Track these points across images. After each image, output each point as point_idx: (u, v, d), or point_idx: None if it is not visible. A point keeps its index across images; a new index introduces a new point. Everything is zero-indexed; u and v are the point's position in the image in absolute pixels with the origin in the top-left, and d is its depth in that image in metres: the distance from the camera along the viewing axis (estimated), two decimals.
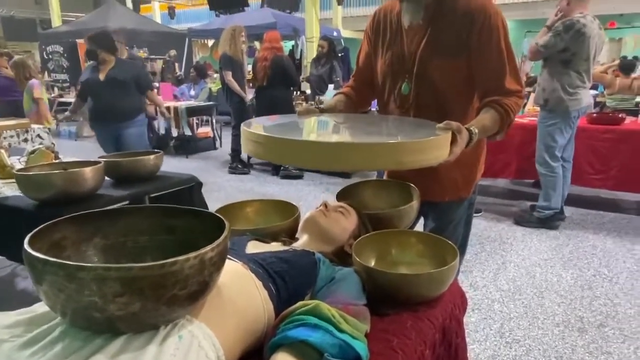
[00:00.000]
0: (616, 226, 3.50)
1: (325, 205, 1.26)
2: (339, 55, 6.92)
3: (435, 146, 1.01)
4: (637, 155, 3.52)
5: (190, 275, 0.67)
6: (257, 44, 9.37)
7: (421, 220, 1.61)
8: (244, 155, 5.46)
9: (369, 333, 0.91)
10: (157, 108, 4.13)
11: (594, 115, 3.88)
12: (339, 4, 12.57)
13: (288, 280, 0.95)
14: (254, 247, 1.08)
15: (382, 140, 1.06)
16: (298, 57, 8.37)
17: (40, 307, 0.78)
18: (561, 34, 3.04)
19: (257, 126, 1.14)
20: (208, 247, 0.70)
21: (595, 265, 2.84)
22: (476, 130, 1.18)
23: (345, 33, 12.37)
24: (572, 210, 3.77)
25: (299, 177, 4.93)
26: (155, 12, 15.99)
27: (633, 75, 4.52)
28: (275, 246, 1.13)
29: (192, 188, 2.36)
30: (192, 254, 0.67)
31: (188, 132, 6.32)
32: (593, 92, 5.23)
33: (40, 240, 0.75)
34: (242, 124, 1.11)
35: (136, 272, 0.62)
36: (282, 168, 5.00)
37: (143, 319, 0.67)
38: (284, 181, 4.91)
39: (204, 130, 6.86)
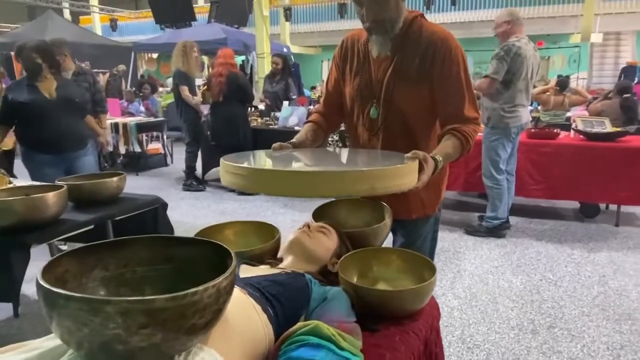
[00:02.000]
0: (556, 233, 3.79)
1: (308, 226, 1.31)
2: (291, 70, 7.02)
3: (404, 173, 1.08)
4: (571, 167, 3.84)
5: (208, 304, 0.70)
6: (205, 58, 9.30)
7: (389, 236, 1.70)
8: (198, 172, 5.40)
9: (363, 348, 0.97)
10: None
11: (532, 131, 4.20)
12: (286, 20, 12.77)
13: (284, 303, 0.99)
14: (245, 271, 1.10)
15: (357, 168, 1.11)
16: (248, 72, 8.39)
17: (43, 343, 0.78)
18: (504, 57, 3.29)
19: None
20: (222, 277, 0.72)
21: (541, 271, 3.06)
22: (440, 158, 1.28)
23: (293, 49, 12.55)
24: (516, 219, 4.02)
25: (257, 192, 4.93)
26: (96, 24, 15.48)
27: (565, 93, 4.93)
28: (264, 269, 1.16)
29: (156, 210, 2.33)
30: (209, 284, 0.70)
31: (137, 149, 6.15)
32: (529, 107, 5.65)
33: (47, 275, 0.75)
34: (221, 158, 1.14)
35: (160, 304, 0.64)
36: None
37: (163, 350, 0.69)
38: (241, 197, 4.89)
39: (154, 147, 6.70)
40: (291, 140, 1.46)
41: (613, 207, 4.08)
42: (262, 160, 1.30)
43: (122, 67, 9.04)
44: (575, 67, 12.46)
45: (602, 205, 4.22)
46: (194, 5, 10.13)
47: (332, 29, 14.43)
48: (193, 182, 5.22)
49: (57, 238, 1.83)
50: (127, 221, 2.23)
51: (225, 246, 0.86)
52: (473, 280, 2.93)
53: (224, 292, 0.73)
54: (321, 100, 1.72)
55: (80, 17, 15.79)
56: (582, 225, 3.97)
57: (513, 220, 3.90)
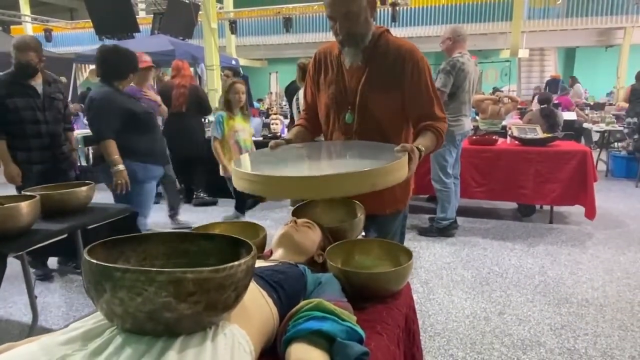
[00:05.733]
0: (498, 231, 4.11)
1: (295, 221, 1.42)
2: None
3: (399, 167, 1.24)
4: (509, 170, 4.20)
5: (240, 278, 0.80)
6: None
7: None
8: None
9: (357, 322, 1.10)
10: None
11: (474, 137, 4.54)
12: (232, 33, 12.81)
13: (286, 288, 1.10)
14: None
15: (357, 169, 1.20)
16: (197, 83, 8.36)
17: (84, 323, 0.84)
18: (450, 71, 3.58)
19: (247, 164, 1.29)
20: (249, 256, 0.84)
21: (488, 264, 3.33)
22: (423, 149, 1.45)
23: (240, 61, 12.58)
24: (462, 219, 4.32)
25: (213, 203, 4.95)
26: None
27: (500, 104, 5.39)
28: (260, 262, 1.26)
29: (126, 219, 2.34)
30: (242, 260, 0.80)
31: (84, 163, 5.96)
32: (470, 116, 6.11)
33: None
34: (233, 162, 1.24)
35: (206, 274, 0.74)
36: (194, 196, 4.97)
37: (202, 319, 0.78)
38: (198, 208, 4.89)
39: None
40: (284, 137, 1.61)
41: (547, 206, 4.49)
42: (269, 163, 1.41)
43: (63, 79, 8.68)
44: (506, 80, 13.42)
45: (537, 205, 4.62)
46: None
47: (278, 43, 14.63)
48: None
49: (32, 247, 1.82)
50: (96, 230, 2.24)
51: (241, 238, 0.96)
52: (429, 275, 3.15)
53: (250, 270, 0.84)
54: (301, 110, 1.86)
55: (12, 27, 14.94)
56: (521, 223, 4.33)
57: (460, 220, 4.19)
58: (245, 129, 3.87)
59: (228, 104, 3.82)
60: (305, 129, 1.78)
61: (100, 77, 2.74)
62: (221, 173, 3.86)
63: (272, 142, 1.53)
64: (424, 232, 4.03)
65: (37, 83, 2.96)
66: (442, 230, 3.96)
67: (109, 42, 9.97)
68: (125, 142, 2.67)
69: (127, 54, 2.78)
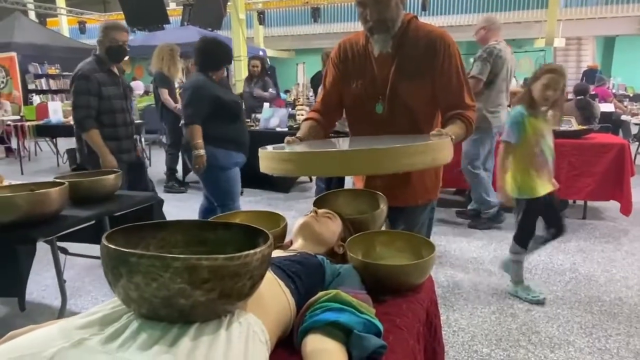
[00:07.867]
0: None
1: (315, 212, 1.41)
2: (268, 73, 7.10)
3: (449, 146, 1.25)
4: None
5: (256, 267, 0.79)
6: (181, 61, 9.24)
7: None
8: (179, 174, 5.41)
9: (376, 315, 1.07)
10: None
11: None
12: (260, 24, 12.84)
13: (304, 279, 1.09)
14: None
15: (417, 142, 1.17)
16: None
17: (102, 307, 0.85)
18: (487, 58, 3.47)
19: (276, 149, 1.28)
20: (265, 245, 0.82)
21: None
22: (454, 136, 1.42)
23: (268, 52, 12.61)
24: None
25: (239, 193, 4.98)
26: (63, 27, 15.15)
27: None
28: (278, 252, 1.25)
29: (152, 206, 2.38)
30: (257, 249, 0.79)
31: None
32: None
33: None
34: (259, 149, 1.23)
35: (221, 262, 0.74)
36: None
37: (216, 306, 0.78)
38: None
39: None
40: (297, 135, 1.57)
41: (580, 201, 4.33)
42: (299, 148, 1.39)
43: None
44: None
45: (570, 200, 4.46)
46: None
47: (306, 33, 14.58)
48: (174, 184, 5.23)
49: (61, 233, 1.87)
50: (123, 217, 2.28)
51: (258, 227, 0.95)
52: (454, 270, 3.09)
53: (266, 258, 0.83)
54: (318, 99, 1.82)
55: (48, 20, 15.39)
56: None
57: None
58: (550, 133, 2.61)
59: (531, 99, 2.47)
60: (318, 123, 1.72)
61: (198, 66, 2.86)
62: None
63: (288, 138, 1.50)
64: (475, 224, 3.92)
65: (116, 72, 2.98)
66: (492, 219, 3.85)
67: (140, 33, 10.17)
68: (210, 128, 2.75)
69: (225, 46, 2.91)
